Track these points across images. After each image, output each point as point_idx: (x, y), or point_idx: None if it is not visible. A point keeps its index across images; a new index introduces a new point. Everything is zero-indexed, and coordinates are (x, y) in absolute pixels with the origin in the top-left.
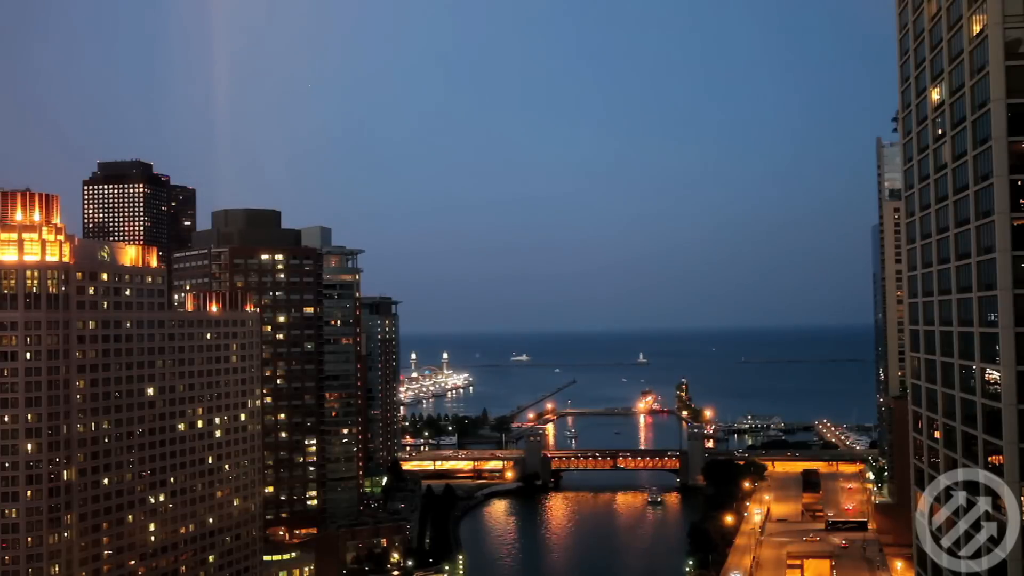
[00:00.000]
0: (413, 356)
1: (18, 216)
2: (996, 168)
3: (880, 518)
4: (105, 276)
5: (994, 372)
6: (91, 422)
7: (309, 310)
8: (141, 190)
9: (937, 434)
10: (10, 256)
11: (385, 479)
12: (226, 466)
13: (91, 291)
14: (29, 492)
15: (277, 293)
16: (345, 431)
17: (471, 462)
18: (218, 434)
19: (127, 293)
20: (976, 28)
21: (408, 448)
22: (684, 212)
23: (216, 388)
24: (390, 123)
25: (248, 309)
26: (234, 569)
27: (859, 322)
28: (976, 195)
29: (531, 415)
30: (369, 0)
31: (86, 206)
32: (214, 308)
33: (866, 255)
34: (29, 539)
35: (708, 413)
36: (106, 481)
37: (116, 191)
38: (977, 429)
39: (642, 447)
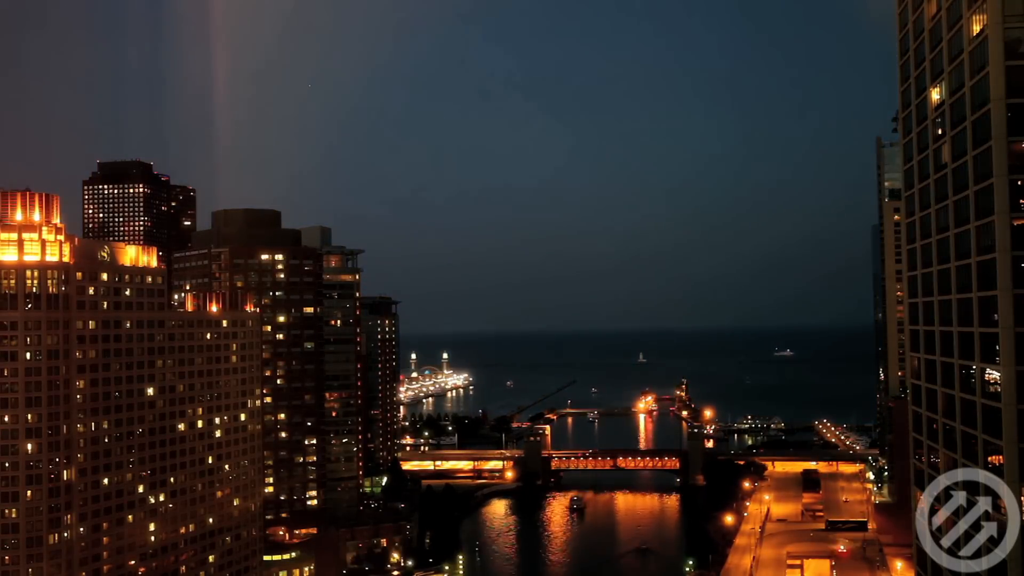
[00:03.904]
0: (413, 356)
1: (18, 216)
2: (996, 168)
3: (880, 518)
4: (105, 276)
5: (994, 372)
6: (91, 422)
7: (309, 310)
8: (141, 190)
9: (937, 434)
10: (10, 256)
11: (385, 479)
12: (226, 466)
13: (91, 291)
14: (29, 492)
15: (277, 293)
16: (345, 431)
17: (471, 462)
18: (218, 434)
19: (127, 293)
20: (976, 28)
21: (408, 448)
22: (683, 212)
23: (216, 388)
24: (390, 123)
25: (248, 309)
26: (234, 569)
27: (859, 322)
28: (976, 195)
29: (535, 414)
30: (371, 0)
31: (86, 206)
32: (214, 308)
33: (866, 255)
34: (29, 539)
35: (708, 413)
36: (106, 481)
37: (116, 191)
38: (977, 429)
39: (642, 447)
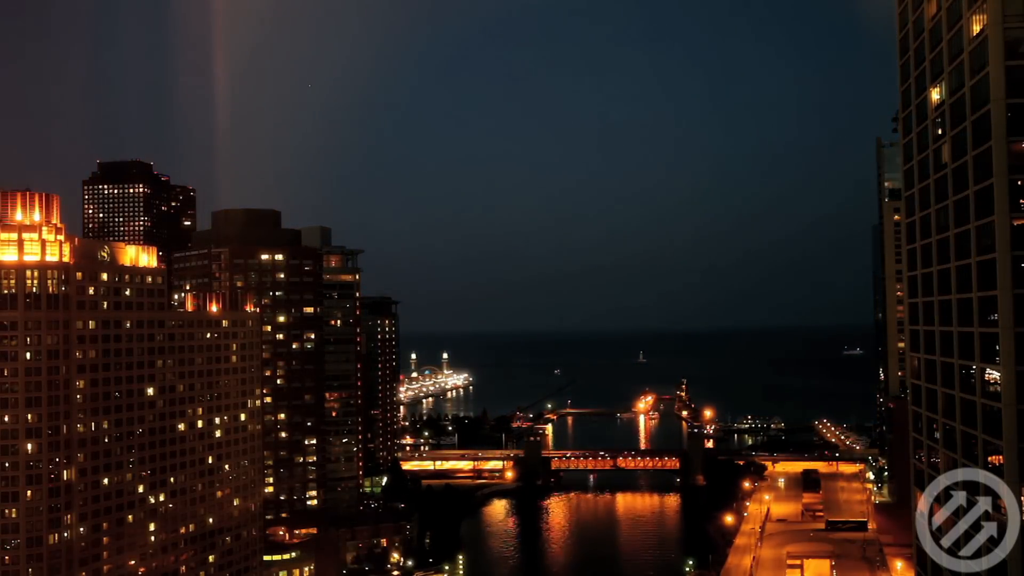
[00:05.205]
0: (413, 356)
1: (18, 216)
2: (996, 168)
3: (880, 518)
4: (105, 276)
5: (994, 372)
6: (91, 422)
7: (309, 310)
8: (141, 190)
9: (937, 434)
10: (10, 256)
11: (385, 479)
12: (226, 466)
13: (91, 291)
14: (29, 492)
15: (277, 293)
16: (345, 431)
17: (471, 462)
18: (218, 434)
19: (127, 293)
20: (976, 28)
21: (408, 448)
22: (683, 212)
23: (216, 388)
24: (391, 122)
25: (248, 309)
26: (234, 569)
27: (859, 322)
28: (976, 195)
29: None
30: (372, 0)
31: (86, 206)
32: (214, 308)
33: (866, 255)
34: (29, 539)
35: (708, 413)
36: (106, 481)
37: (116, 191)
38: (977, 429)
39: (642, 447)
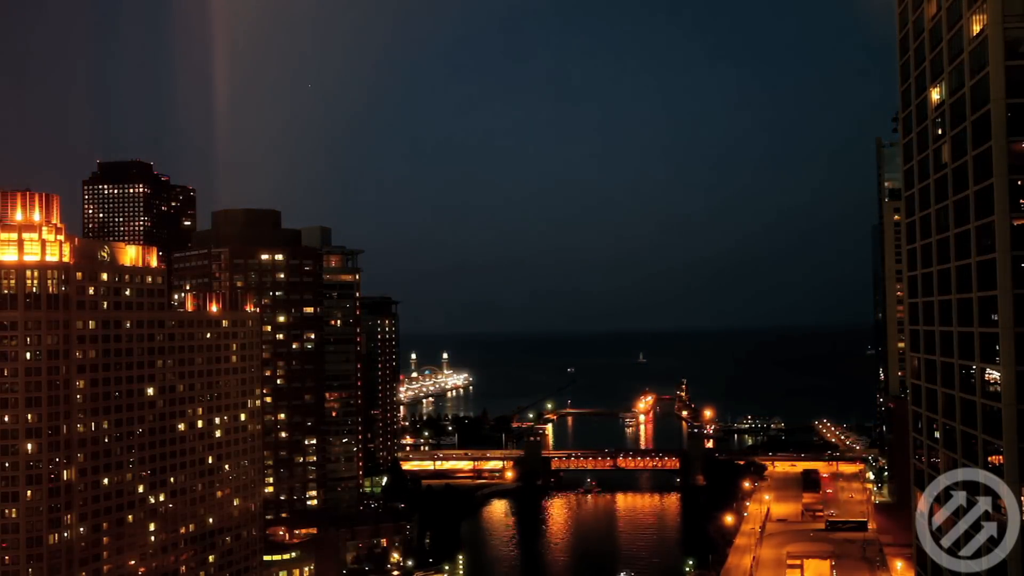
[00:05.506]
0: (413, 356)
1: (18, 216)
2: (996, 168)
3: (880, 518)
4: (105, 276)
5: (994, 372)
6: (91, 422)
7: (309, 310)
8: (141, 190)
9: (937, 434)
10: (10, 256)
11: (385, 479)
12: (226, 466)
13: (91, 291)
14: (29, 492)
15: (277, 293)
16: (345, 431)
17: (471, 462)
18: (218, 434)
19: (127, 293)
20: (976, 28)
21: (408, 448)
22: (683, 211)
23: (216, 388)
24: (391, 122)
25: (248, 309)
26: (234, 569)
27: (859, 322)
28: (976, 195)
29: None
30: (371, 1)
31: (86, 206)
32: (214, 308)
33: (866, 255)
34: (29, 539)
35: (708, 413)
36: (106, 481)
37: (116, 191)
38: (977, 429)
39: (642, 447)
